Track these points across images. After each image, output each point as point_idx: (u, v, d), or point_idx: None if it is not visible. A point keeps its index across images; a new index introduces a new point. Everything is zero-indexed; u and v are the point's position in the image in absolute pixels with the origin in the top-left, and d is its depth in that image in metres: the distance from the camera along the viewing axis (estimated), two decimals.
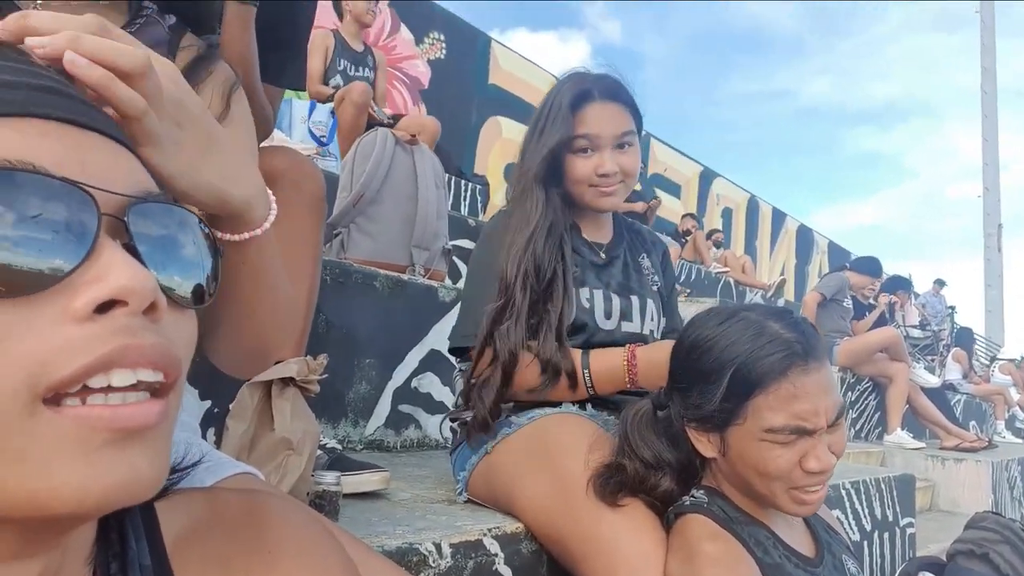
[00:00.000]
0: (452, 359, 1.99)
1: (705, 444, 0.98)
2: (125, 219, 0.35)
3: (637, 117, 1.34)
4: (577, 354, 1.23)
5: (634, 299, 1.35)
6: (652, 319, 1.36)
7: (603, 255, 1.38)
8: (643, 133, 1.37)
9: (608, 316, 1.32)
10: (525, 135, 1.37)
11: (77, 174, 0.34)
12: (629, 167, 1.31)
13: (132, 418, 0.33)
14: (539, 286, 1.21)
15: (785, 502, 0.95)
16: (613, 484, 1.01)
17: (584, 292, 1.30)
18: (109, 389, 0.32)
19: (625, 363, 1.21)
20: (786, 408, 0.90)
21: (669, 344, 1.11)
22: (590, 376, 1.22)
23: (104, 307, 0.33)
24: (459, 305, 2.09)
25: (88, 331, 0.32)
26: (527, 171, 1.31)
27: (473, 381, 1.23)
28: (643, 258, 1.44)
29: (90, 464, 0.32)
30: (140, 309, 0.33)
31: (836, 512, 1.89)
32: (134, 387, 0.33)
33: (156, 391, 0.34)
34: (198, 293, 0.39)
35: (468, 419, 1.29)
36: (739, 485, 1.00)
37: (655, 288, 1.41)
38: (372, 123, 3.46)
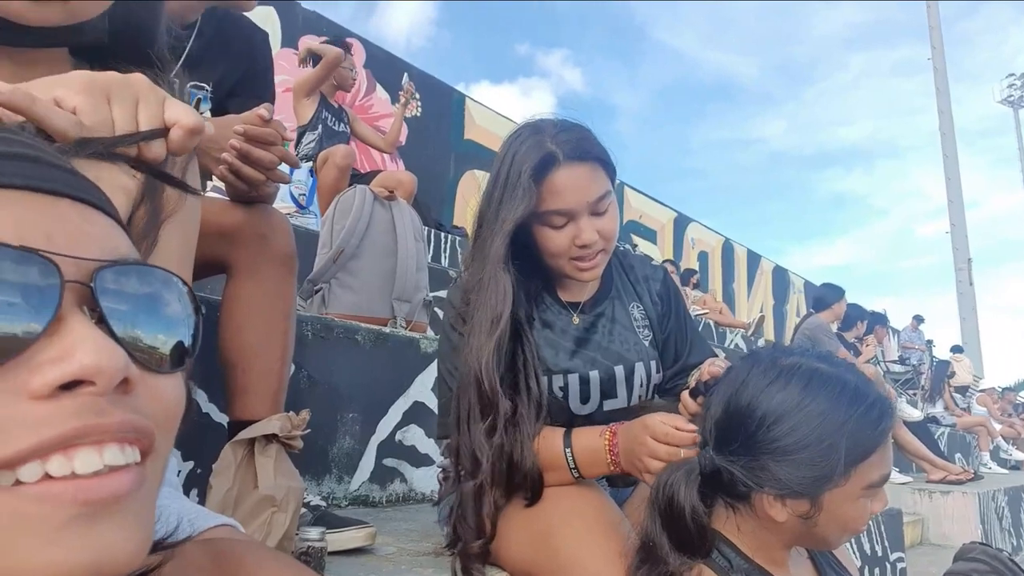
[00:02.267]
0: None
1: (779, 509, 0.92)
2: (92, 285, 0.33)
3: (610, 170, 1.18)
4: (559, 434, 1.12)
5: (618, 370, 1.21)
6: (642, 384, 1.24)
7: (577, 320, 1.24)
8: (617, 182, 1.23)
9: (586, 400, 1.20)
10: (480, 203, 1.21)
11: (41, 243, 0.33)
12: (609, 231, 1.16)
13: (100, 488, 0.31)
14: (511, 387, 1.11)
15: (843, 541, 0.98)
16: None
17: (557, 380, 1.19)
18: (73, 476, 0.30)
19: (607, 446, 1.08)
20: (884, 461, 0.92)
21: (647, 420, 1.03)
22: (573, 458, 1.10)
23: (70, 384, 0.31)
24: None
25: (47, 409, 0.30)
26: (487, 251, 1.15)
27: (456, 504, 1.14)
28: (635, 307, 1.29)
29: (54, 542, 0.29)
30: (108, 389, 0.32)
31: None
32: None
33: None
34: (177, 354, 0.37)
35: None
36: (790, 539, 0.97)
37: (647, 342, 1.27)
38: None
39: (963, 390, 8.92)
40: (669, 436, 1.00)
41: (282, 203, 3.34)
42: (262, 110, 1.09)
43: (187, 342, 0.38)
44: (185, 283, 0.39)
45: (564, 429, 1.12)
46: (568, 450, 1.10)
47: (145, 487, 0.34)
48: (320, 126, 3.95)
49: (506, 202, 1.13)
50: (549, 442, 1.11)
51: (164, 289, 0.38)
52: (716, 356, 1.33)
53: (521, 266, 1.17)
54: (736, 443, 0.94)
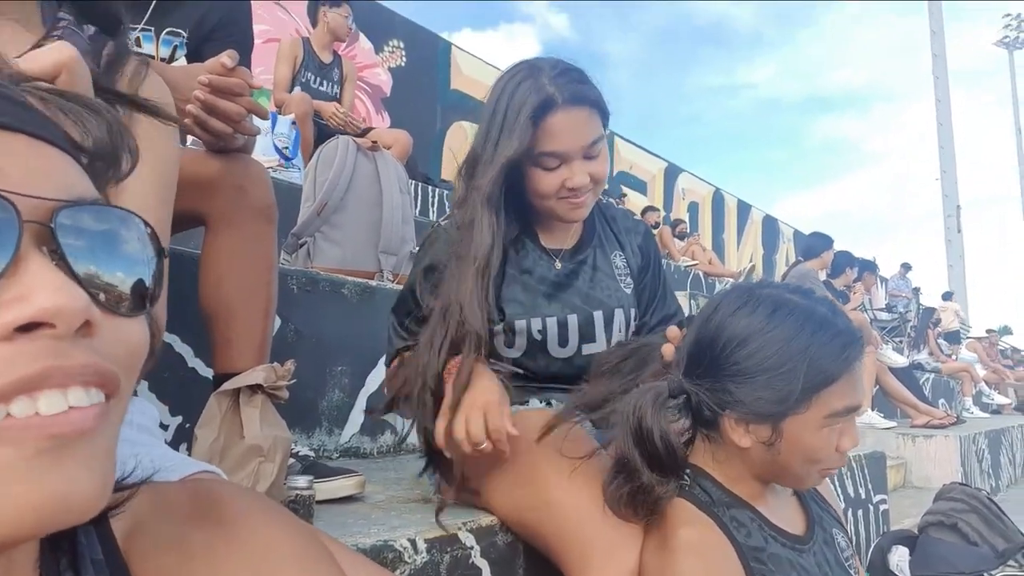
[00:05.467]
0: None
1: (741, 434, 0.95)
2: (51, 225, 0.33)
3: (604, 116, 1.20)
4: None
5: (597, 315, 1.25)
6: (620, 330, 1.28)
7: (559, 265, 1.27)
8: (607, 131, 1.23)
9: (564, 344, 1.23)
10: (475, 139, 1.22)
11: None
12: (599, 175, 1.19)
13: (65, 423, 0.31)
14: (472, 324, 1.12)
15: (815, 480, 0.99)
16: (626, 498, 0.96)
17: (536, 323, 1.21)
18: (37, 416, 0.30)
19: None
20: (849, 392, 0.92)
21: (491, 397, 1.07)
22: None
23: (29, 326, 0.30)
24: None
25: (7, 351, 0.30)
26: (477, 190, 1.16)
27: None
28: (616, 256, 1.33)
29: (19, 479, 0.30)
30: (68, 332, 0.31)
31: None
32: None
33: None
34: (140, 295, 0.37)
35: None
36: (756, 468, 0.98)
37: (628, 290, 1.31)
38: (343, 132, 3.47)
39: (954, 336, 9.12)
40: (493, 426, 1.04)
41: (265, 156, 3.28)
42: (225, 57, 1.05)
43: (147, 282, 0.37)
44: (147, 224, 0.38)
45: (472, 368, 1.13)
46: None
47: (109, 426, 0.34)
48: (296, 87, 3.85)
49: (502, 141, 1.14)
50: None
51: (123, 229, 0.37)
52: (679, 312, 1.37)
53: (506, 210, 1.18)
54: (702, 366, 0.97)
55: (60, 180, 0.35)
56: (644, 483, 0.93)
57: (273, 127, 3.57)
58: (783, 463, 0.95)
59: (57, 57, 0.49)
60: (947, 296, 11.77)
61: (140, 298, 0.37)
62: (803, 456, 0.94)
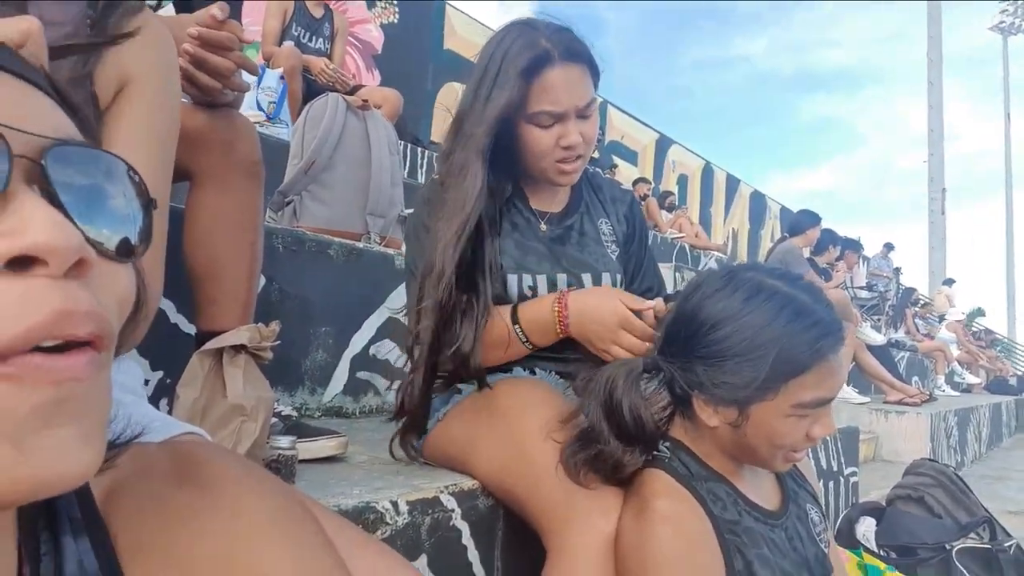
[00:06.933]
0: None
1: (710, 414, 0.95)
2: (43, 162, 0.31)
3: (596, 76, 1.20)
4: (505, 311, 1.18)
5: (586, 277, 1.25)
6: None
7: (545, 228, 1.27)
8: (600, 101, 1.27)
9: None
10: (464, 95, 1.20)
11: None
12: (591, 136, 1.19)
13: (65, 368, 0.30)
14: (465, 280, 1.13)
15: (779, 464, 0.98)
16: (583, 462, 0.97)
17: (527, 279, 1.21)
18: (37, 355, 0.29)
19: (556, 313, 1.15)
20: (821, 385, 0.91)
21: (604, 288, 1.12)
22: (523, 332, 1.17)
23: (19, 264, 0.29)
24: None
25: (14, 291, 0.28)
26: (468, 141, 1.15)
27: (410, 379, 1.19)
28: (603, 223, 1.33)
29: (16, 446, 0.28)
30: (62, 269, 0.30)
31: None
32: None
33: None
34: (127, 246, 0.35)
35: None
36: (726, 447, 0.98)
37: (614, 257, 1.31)
38: (332, 88, 3.40)
39: (942, 318, 9.41)
40: (644, 333, 1.09)
41: (251, 111, 3.22)
42: (215, 9, 1.02)
43: (134, 232, 0.36)
44: (135, 172, 0.37)
45: (511, 306, 1.18)
46: (517, 327, 1.17)
47: (101, 383, 0.33)
48: (287, 41, 3.76)
49: (494, 94, 1.14)
50: (497, 321, 1.16)
51: (111, 174, 0.36)
52: (661, 285, 1.39)
53: (496, 169, 1.18)
54: (676, 345, 0.97)
55: (49, 121, 0.34)
56: (603, 451, 0.95)
57: (260, 81, 3.50)
58: (749, 445, 0.96)
59: (25, 26, 0.48)
60: (948, 282, 12.04)
61: (127, 245, 0.36)
62: (769, 441, 0.94)
